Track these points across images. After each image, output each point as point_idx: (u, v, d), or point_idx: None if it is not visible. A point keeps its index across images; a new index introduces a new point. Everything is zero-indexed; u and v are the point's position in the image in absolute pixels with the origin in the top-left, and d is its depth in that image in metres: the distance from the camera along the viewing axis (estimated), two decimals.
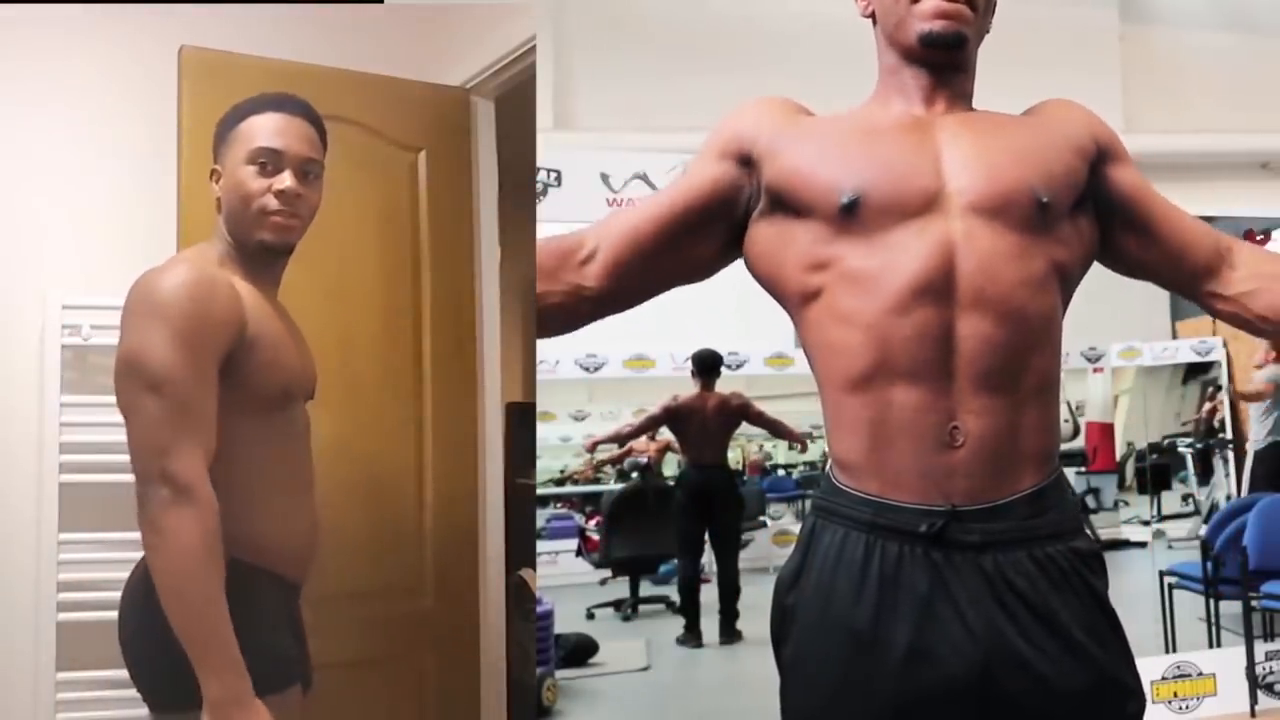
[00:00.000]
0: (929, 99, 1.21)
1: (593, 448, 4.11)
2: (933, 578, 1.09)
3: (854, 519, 1.12)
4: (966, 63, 1.22)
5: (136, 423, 1.43)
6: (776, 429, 4.15)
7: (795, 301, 1.18)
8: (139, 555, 1.61)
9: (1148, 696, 1.17)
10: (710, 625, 3.94)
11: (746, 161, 1.21)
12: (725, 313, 4.07)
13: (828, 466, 1.19)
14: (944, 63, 1.20)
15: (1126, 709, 1.14)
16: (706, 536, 4.07)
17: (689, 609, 3.99)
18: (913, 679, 1.08)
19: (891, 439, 1.10)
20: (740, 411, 4.10)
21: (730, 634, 3.93)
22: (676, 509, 4.10)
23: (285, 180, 1.59)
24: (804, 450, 4.15)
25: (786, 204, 1.18)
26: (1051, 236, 1.14)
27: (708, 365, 4.04)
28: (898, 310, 1.09)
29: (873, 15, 1.25)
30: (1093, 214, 1.22)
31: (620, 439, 4.17)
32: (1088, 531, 1.20)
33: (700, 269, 1.25)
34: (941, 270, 1.09)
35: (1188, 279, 1.27)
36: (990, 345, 1.09)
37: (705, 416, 4.06)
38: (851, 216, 1.11)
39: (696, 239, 1.22)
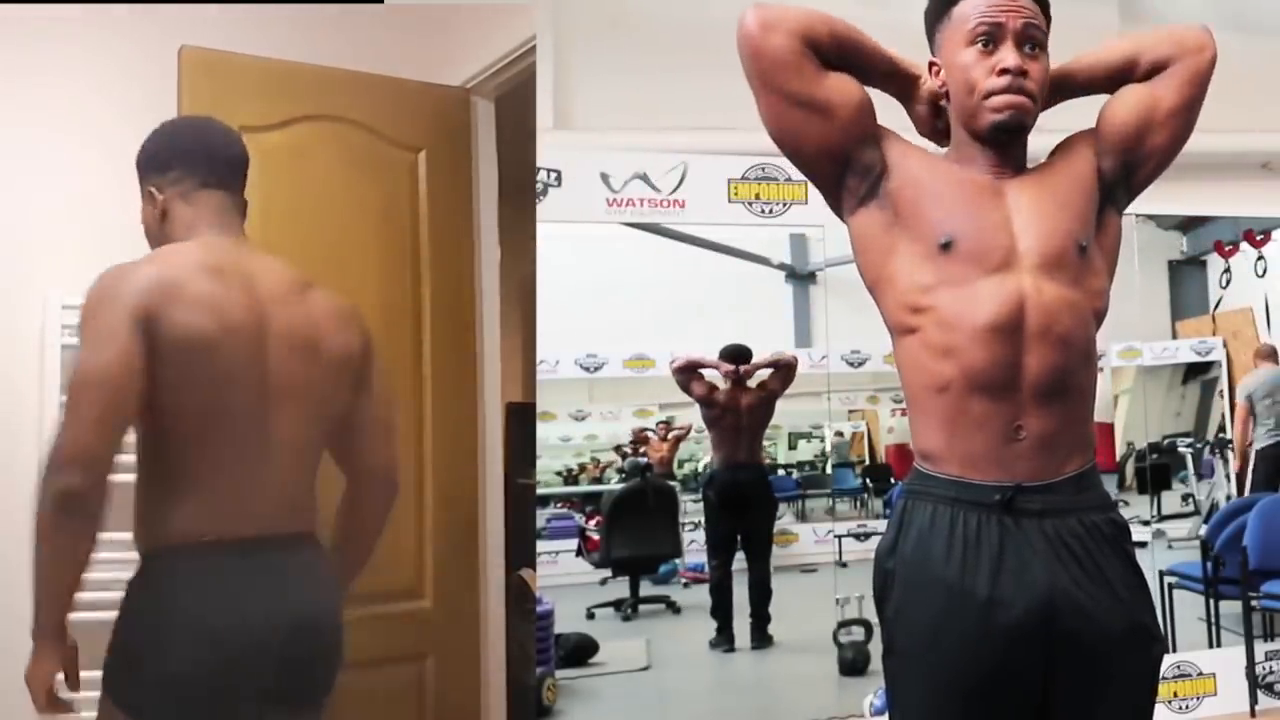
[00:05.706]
0: (996, 169, 1.47)
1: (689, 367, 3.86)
2: (1004, 539, 1.36)
3: (941, 496, 1.39)
4: (1024, 139, 1.49)
5: None
6: (785, 373, 3.88)
7: (894, 329, 1.45)
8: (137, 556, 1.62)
9: None
10: (705, 627, 3.92)
11: (875, 141, 1.45)
12: (725, 314, 4.06)
13: (914, 461, 1.46)
14: (1008, 144, 1.47)
15: (1152, 650, 1.42)
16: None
17: (721, 611, 3.89)
18: (991, 620, 1.34)
19: (969, 433, 1.39)
20: (773, 396, 3.89)
21: (762, 639, 3.81)
22: (708, 509, 3.98)
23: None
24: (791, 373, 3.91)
25: (896, 208, 1.44)
26: (1089, 271, 1.44)
27: (740, 359, 3.86)
28: (980, 343, 1.37)
29: (946, 94, 1.48)
30: (1113, 208, 1.50)
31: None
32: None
33: (812, 133, 1.43)
34: (1015, 315, 1.38)
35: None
36: (1048, 369, 1.38)
37: (740, 413, 3.91)
38: (946, 254, 1.40)
39: (824, 113, 1.43)
